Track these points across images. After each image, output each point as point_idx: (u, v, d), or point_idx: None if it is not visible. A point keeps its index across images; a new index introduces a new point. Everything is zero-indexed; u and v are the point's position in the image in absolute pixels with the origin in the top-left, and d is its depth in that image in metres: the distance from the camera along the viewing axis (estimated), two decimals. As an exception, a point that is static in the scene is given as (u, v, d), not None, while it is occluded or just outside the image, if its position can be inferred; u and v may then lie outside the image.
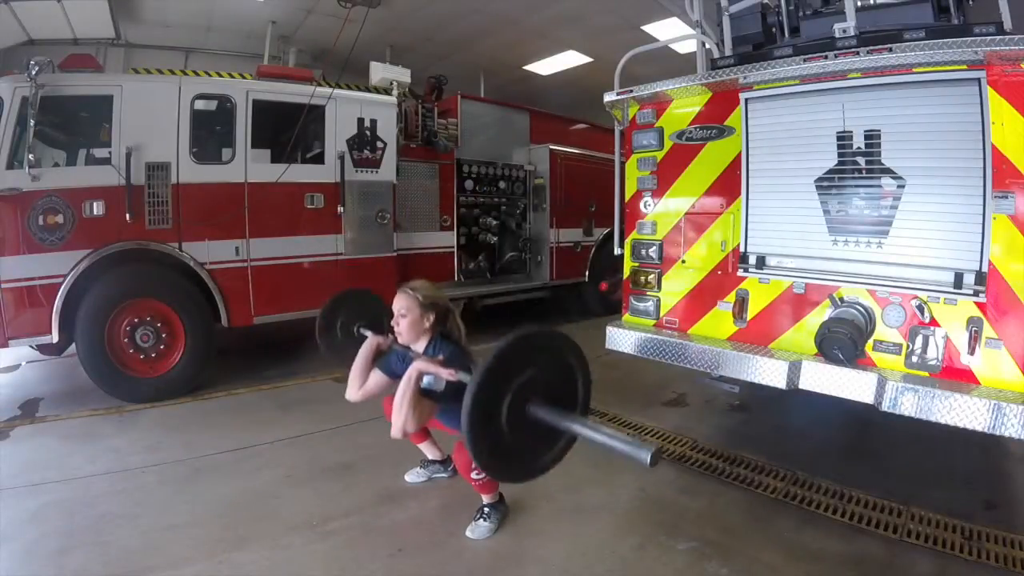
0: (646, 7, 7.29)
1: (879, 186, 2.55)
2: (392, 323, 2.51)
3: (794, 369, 2.60)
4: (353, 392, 2.61)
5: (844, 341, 2.44)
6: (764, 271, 2.93)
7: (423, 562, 2.32)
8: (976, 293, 2.28)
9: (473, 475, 2.45)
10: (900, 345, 2.50)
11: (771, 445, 3.48)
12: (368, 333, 2.83)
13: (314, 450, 3.36)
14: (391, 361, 2.59)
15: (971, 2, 2.82)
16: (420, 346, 2.51)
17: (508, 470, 1.66)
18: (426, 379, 2.32)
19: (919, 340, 2.43)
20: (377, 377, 2.58)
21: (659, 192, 3.32)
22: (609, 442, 1.50)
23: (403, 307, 2.47)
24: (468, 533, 2.49)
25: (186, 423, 3.76)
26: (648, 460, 1.42)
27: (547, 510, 2.72)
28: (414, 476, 2.98)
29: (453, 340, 2.54)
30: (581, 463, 3.24)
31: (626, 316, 3.48)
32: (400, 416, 2.22)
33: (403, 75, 5.99)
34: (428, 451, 2.99)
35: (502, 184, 6.81)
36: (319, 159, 5.09)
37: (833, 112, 2.65)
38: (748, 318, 2.98)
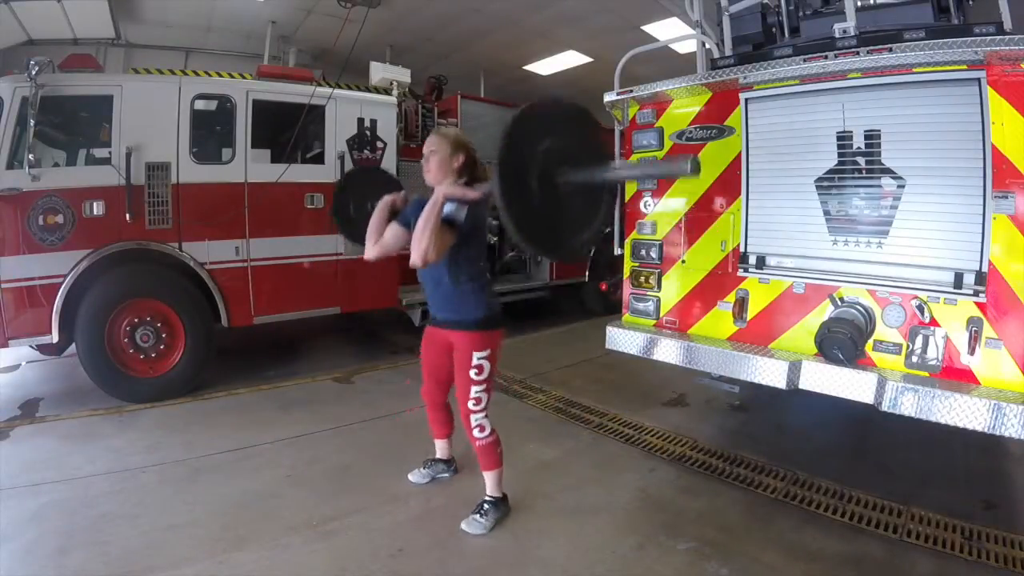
0: (646, 7, 7.28)
1: (879, 186, 2.55)
2: (422, 163, 2.47)
3: (794, 369, 2.60)
4: (369, 248, 2.57)
5: (844, 341, 2.44)
6: (764, 271, 2.93)
7: (423, 562, 2.32)
8: (976, 293, 2.28)
9: (475, 432, 2.50)
10: (900, 345, 2.50)
11: (771, 445, 3.49)
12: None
13: (314, 450, 3.36)
14: (407, 213, 2.53)
15: (971, 2, 2.82)
16: (445, 188, 2.42)
17: (545, 239, 1.65)
18: (448, 208, 2.27)
19: (919, 340, 2.43)
20: (394, 229, 2.52)
21: (659, 192, 3.32)
22: (645, 171, 1.57)
23: (433, 145, 2.43)
24: (463, 526, 2.51)
25: (186, 423, 3.76)
26: (689, 168, 1.48)
27: (547, 510, 2.73)
28: (418, 477, 2.97)
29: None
30: (581, 463, 3.25)
31: (626, 316, 3.48)
32: (423, 243, 2.16)
33: (403, 75, 5.99)
34: (440, 449, 2.99)
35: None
36: (319, 159, 5.10)
37: (833, 112, 2.65)
38: (748, 318, 2.98)
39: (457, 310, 2.49)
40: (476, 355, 2.47)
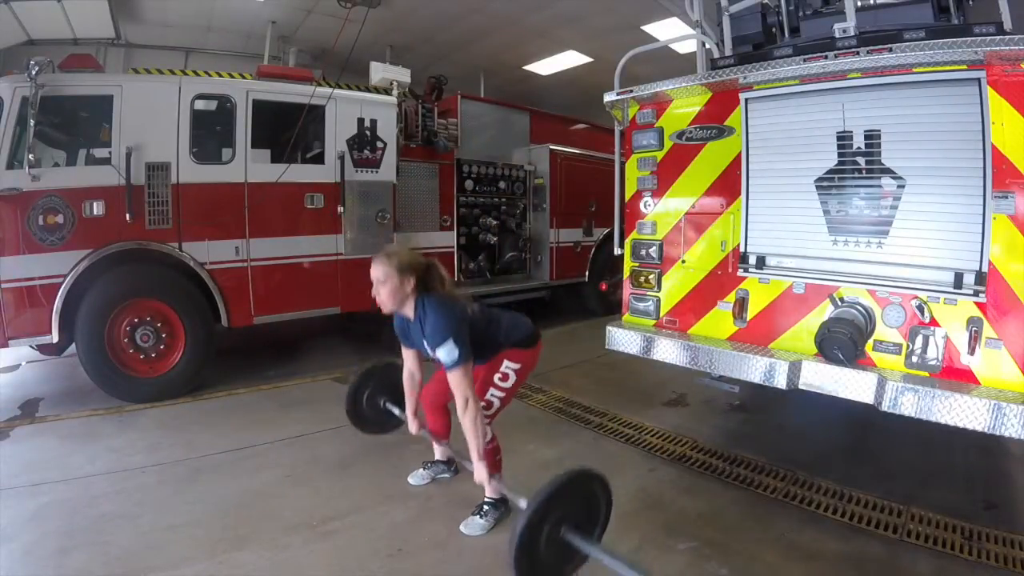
0: (646, 7, 7.29)
1: (879, 186, 2.55)
2: (372, 292, 2.43)
3: (794, 369, 2.60)
4: (412, 425, 2.79)
5: (844, 341, 2.44)
6: (764, 271, 2.93)
7: (423, 562, 2.32)
8: (976, 293, 2.28)
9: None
10: (900, 345, 2.50)
11: (771, 445, 3.48)
12: (395, 410, 2.99)
13: (314, 450, 3.36)
14: (402, 332, 2.60)
15: (971, 2, 2.82)
16: (408, 309, 2.44)
17: None
18: (450, 357, 2.27)
19: (919, 340, 2.43)
20: (411, 356, 2.68)
21: (659, 192, 3.33)
22: (624, 572, 1.79)
23: (380, 275, 2.37)
24: (462, 528, 2.50)
25: (186, 423, 3.76)
26: None
27: (547, 510, 2.72)
28: (417, 478, 2.97)
29: (437, 293, 2.44)
30: (581, 463, 3.24)
31: (626, 316, 3.48)
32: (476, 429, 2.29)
33: (403, 75, 5.99)
34: (439, 451, 2.99)
35: (502, 184, 6.81)
36: (319, 159, 5.09)
37: (833, 112, 2.66)
38: (748, 318, 2.98)
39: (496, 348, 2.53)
40: (507, 363, 2.48)
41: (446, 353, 2.25)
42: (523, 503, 1.90)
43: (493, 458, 2.55)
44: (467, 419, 2.26)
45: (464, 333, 2.30)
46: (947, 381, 2.31)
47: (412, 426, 2.79)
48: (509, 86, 10.66)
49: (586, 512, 1.95)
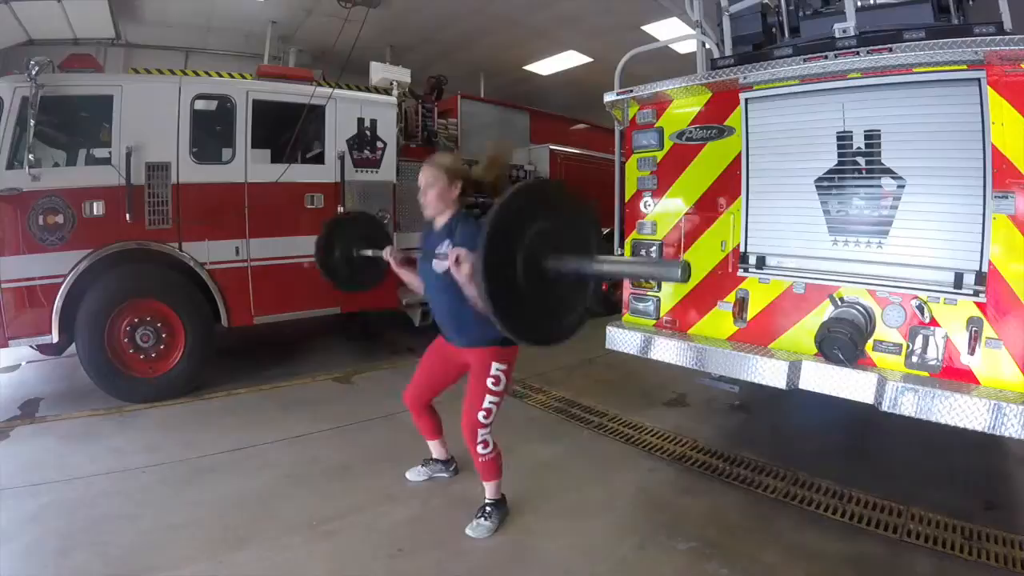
0: (646, 7, 7.27)
1: (879, 186, 2.55)
2: (419, 197, 2.43)
3: (794, 369, 2.60)
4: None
5: (844, 341, 2.44)
6: (764, 271, 2.92)
7: (423, 562, 2.32)
8: (976, 293, 2.28)
9: (479, 448, 2.48)
10: (900, 345, 2.50)
11: (771, 445, 3.49)
12: (368, 253, 2.82)
13: (314, 450, 3.36)
14: (425, 246, 2.51)
15: (971, 2, 2.82)
16: (443, 219, 2.43)
17: (530, 328, 1.59)
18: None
19: (919, 340, 2.43)
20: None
21: (659, 192, 3.32)
22: (634, 270, 1.47)
23: (430, 177, 2.38)
24: (468, 532, 2.50)
25: (186, 423, 3.76)
26: (679, 273, 1.40)
27: (547, 510, 2.73)
28: (415, 474, 2.98)
29: (475, 216, 2.42)
30: (581, 463, 3.25)
31: (626, 316, 3.48)
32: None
33: (403, 75, 5.99)
34: (435, 450, 2.99)
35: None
36: (319, 159, 5.10)
37: (833, 112, 2.65)
38: (748, 318, 2.97)
39: (476, 332, 2.41)
40: (495, 366, 2.46)
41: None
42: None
43: (496, 464, 2.55)
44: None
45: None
46: (947, 381, 2.31)
47: (391, 259, 2.67)
48: (509, 86, 10.66)
49: (570, 238, 1.60)
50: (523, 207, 1.50)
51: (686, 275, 1.37)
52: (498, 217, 1.44)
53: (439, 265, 2.32)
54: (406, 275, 2.64)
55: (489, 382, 2.45)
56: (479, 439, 2.47)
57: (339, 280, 3.07)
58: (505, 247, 1.45)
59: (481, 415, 2.45)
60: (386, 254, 2.70)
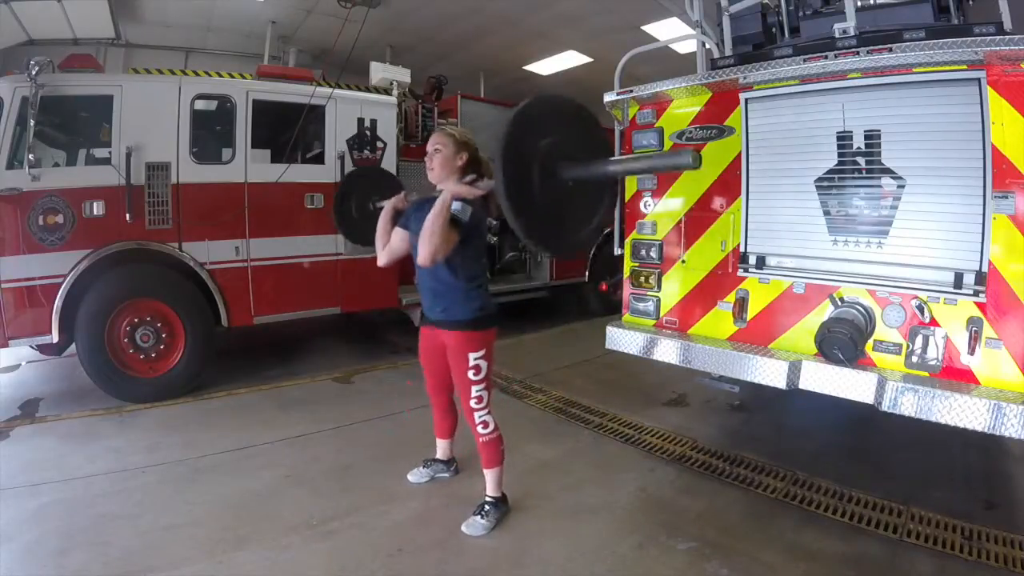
0: (646, 7, 7.27)
1: (879, 186, 2.55)
2: (425, 160, 2.47)
3: (794, 369, 2.60)
4: (380, 256, 2.67)
5: (844, 341, 2.44)
6: (764, 271, 2.92)
7: (423, 562, 2.32)
8: (976, 293, 2.28)
9: (479, 428, 2.51)
10: (900, 345, 2.50)
11: (771, 445, 3.49)
12: (381, 204, 2.85)
13: (314, 450, 3.36)
14: (408, 217, 2.58)
15: (971, 2, 2.82)
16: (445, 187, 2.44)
17: (548, 235, 1.65)
18: (454, 207, 2.26)
19: (919, 340, 2.43)
20: (399, 235, 2.61)
21: (659, 192, 3.32)
22: (646, 164, 1.54)
23: (437, 143, 2.43)
24: (464, 528, 2.51)
25: (186, 423, 3.76)
26: (691, 160, 1.46)
27: (547, 510, 2.73)
28: (417, 476, 2.98)
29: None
30: (581, 463, 3.25)
31: (626, 316, 3.48)
32: (431, 242, 2.18)
33: (403, 75, 5.99)
34: (441, 449, 3.00)
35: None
36: (319, 159, 5.09)
37: (833, 112, 2.65)
38: (748, 318, 2.98)
39: (452, 309, 2.48)
40: (472, 356, 2.47)
41: (459, 207, 2.25)
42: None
43: (498, 448, 2.57)
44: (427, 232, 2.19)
45: (473, 219, 2.31)
46: (947, 381, 2.31)
47: (388, 203, 2.71)
48: (509, 86, 10.65)
49: (580, 147, 1.66)
50: (536, 117, 1.54)
51: (697, 162, 1.42)
52: (513, 125, 1.48)
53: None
54: (384, 224, 2.65)
55: (470, 374, 2.47)
56: (478, 420, 2.53)
57: (353, 232, 3.08)
58: (521, 153, 1.49)
59: (473, 402, 2.51)
60: (391, 201, 2.71)
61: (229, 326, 4.55)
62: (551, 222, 1.59)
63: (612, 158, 1.58)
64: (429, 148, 2.46)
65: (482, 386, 2.51)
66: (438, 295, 2.50)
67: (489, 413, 2.55)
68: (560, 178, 1.57)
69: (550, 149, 1.58)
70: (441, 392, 2.81)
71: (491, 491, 2.60)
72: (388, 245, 2.64)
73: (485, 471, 2.59)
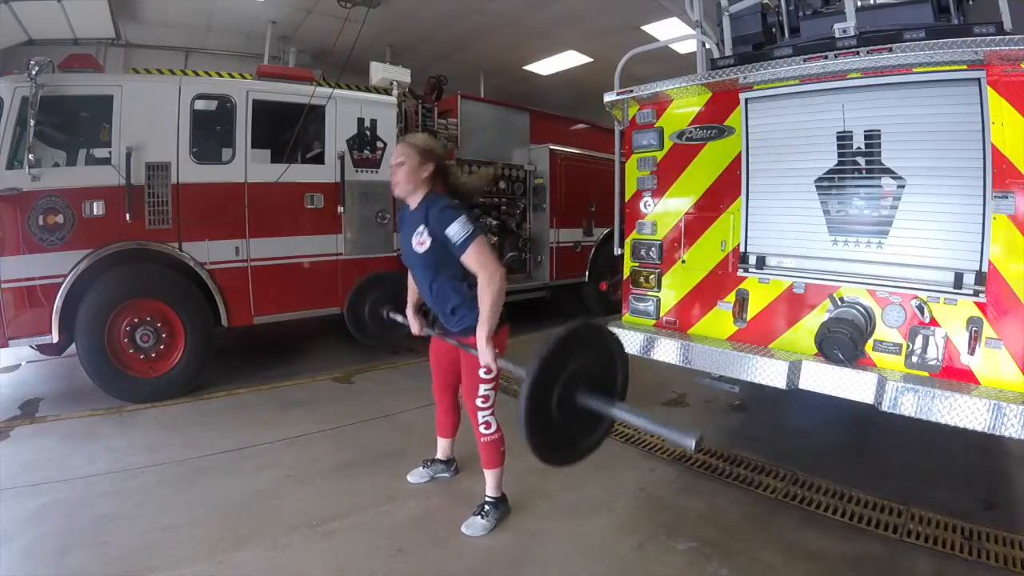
0: (646, 7, 7.28)
1: (879, 186, 2.55)
2: (390, 173, 2.43)
3: (794, 369, 2.60)
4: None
5: (844, 341, 2.44)
6: (764, 271, 2.93)
7: (423, 562, 2.32)
8: (976, 293, 2.28)
9: (481, 428, 2.51)
10: (900, 345, 2.50)
11: (771, 445, 3.49)
12: (398, 318, 2.95)
13: (314, 450, 3.36)
14: (402, 219, 2.58)
15: (971, 2, 2.82)
16: (416, 199, 2.42)
17: (556, 454, 1.75)
18: (463, 227, 2.24)
19: (919, 340, 2.43)
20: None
21: (659, 192, 3.33)
22: (653, 428, 1.57)
23: (400, 155, 2.38)
24: (463, 529, 2.51)
25: (186, 423, 3.76)
26: (693, 446, 1.49)
27: (547, 510, 2.72)
28: (417, 476, 2.98)
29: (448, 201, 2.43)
30: (581, 463, 3.24)
31: (626, 316, 3.48)
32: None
33: (403, 75, 5.99)
34: (441, 449, 3.00)
35: (502, 184, 6.81)
36: (319, 159, 5.09)
37: (833, 112, 2.65)
38: (748, 318, 2.98)
39: (468, 317, 2.42)
40: None
41: (459, 228, 2.21)
42: (523, 371, 1.72)
43: (498, 449, 2.57)
44: (491, 292, 2.19)
45: (474, 219, 2.28)
46: (947, 381, 2.31)
47: (414, 326, 2.77)
48: (509, 86, 10.66)
49: (600, 374, 1.80)
50: (565, 352, 1.68)
51: (700, 445, 1.50)
52: (544, 363, 1.62)
53: (418, 247, 2.37)
54: (418, 330, 2.80)
55: (481, 372, 2.46)
56: (480, 420, 2.52)
57: (363, 331, 3.23)
58: (546, 387, 1.63)
59: (479, 401, 2.50)
60: (414, 328, 2.80)
61: (229, 326, 4.55)
62: (557, 440, 1.71)
63: (622, 405, 1.71)
64: (392, 161, 2.41)
65: (490, 386, 2.50)
66: (444, 298, 2.46)
67: (493, 414, 2.54)
68: (574, 401, 1.69)
69: (575, 373, 1.69)
70: (447, 392, 2.81)
71: (491, 491, 2.59)
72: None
73: (485, 471, 2.59)
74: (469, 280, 2.39)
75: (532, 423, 1.59)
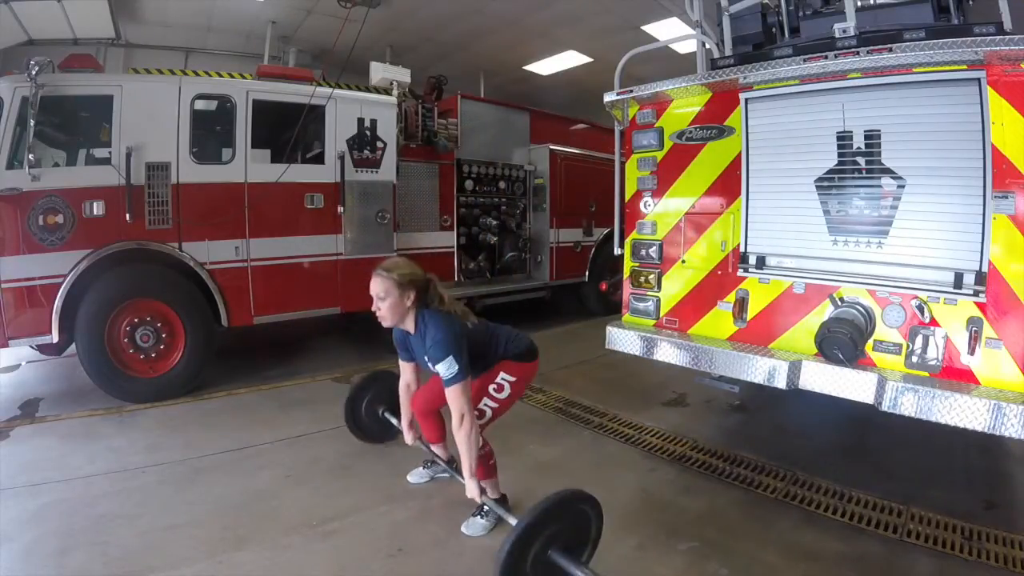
0: (646, 7, 7.29)
1: (879, 186, 2.55)
2: (372, 307, 2.43)
3: (794, 369, 2.60)
4: (408, 435, 2.85)
5: (844, 341, 2.44)
6: (764, 271, 2.93)
7: (423, 562, 2.32)
8: (976, 293, 2.28)
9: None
10: (900, 345, 2.50)
11: (771, 445, 3.49)
12: (392, 420, 3.09)
13: (314, 450, 3.36)
14: (401, 344, 2.65)
15: (971, 2, 2.82)
16: (409, 324, 2.44)
17: None
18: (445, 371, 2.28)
19: (919, 340, 2.43)
20: (408, 370, 2.73)
21: (659, 192, 3.33)
22: None
23: (380, 290, 2.37)
24: (463, 529, 2.51)
25: (186, 423, 3.76)
26: None
27: (547, 510, 2.72)
28: (416, 477, 2.98)
29: (436, 308, 2.45)
30: (581, 463, 3.25)
31: (626, 316, 3.48)
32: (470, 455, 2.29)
33: (403, 75, 5.99)
34: (438, 450, 2.99)
35: (502, 184, 6.81)
36: (319, 159, 5.09)
37: (833, 112, 2.65)
38: (748, 318, 2.98)
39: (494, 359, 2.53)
40: (503, 374, 2.48)
41: (445, 368, 2.26)
42: (513, 521, 1.95)
43: (487, 464, 2.54)
44: (462, 434, 2.25)
45: (463, 349, 2.31)
46: (947, 381, 2.31)
47: (408, 437, 2.83)
48: (509, 86, 10.66)
49: (575, 533, 1.99)
50: (544, 522, 1.88)
51: None
52: (539, 515, 1.85)
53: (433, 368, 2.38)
54: (411, 440, 2.87)
55: (492, 387, 2.46)
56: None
57: (358, 428, 3.35)
58: (524, 551, 1.83)
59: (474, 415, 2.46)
60: (408, 439, 2.86)
61: (229, 326, 4.55)
62: None
63: (587, 569, 1.90)
64: (373, 294, 2.39)
65: (494, 404, 2.49)
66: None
67: (482, 432, 2.47)
68: (547, 559, 1.87)
69: (553, 535, 1.89)
70: (431, 402, 2.78)
71: (490, 493, 2.59)
72: (406, 382, 2.77)
73: (480, 481, 2.57)
74: (502, 354, 2.52)
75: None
